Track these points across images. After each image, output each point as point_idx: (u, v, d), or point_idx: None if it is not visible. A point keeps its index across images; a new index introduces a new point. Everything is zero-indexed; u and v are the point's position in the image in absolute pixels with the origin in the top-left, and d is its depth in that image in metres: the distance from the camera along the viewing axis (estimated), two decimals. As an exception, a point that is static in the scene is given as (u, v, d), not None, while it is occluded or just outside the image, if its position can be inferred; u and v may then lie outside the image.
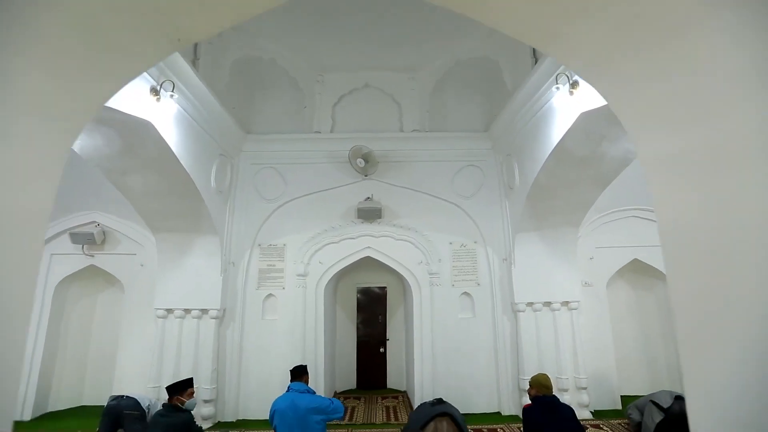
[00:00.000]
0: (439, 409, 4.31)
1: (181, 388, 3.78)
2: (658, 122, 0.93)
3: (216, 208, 5.49)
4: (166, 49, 1.11)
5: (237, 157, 6.18)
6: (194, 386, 4.03)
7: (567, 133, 4.12)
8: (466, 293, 6.05)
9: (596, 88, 1.10)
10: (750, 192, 0.80)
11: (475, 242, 6.14)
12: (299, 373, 4.17)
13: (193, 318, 5.53)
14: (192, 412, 3.84)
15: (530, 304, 5.69)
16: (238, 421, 5.48)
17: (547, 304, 5.70)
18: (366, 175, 6.15)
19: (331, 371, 6.62)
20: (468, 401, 5.59)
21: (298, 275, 5.99)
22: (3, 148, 0.84)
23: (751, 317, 0.83)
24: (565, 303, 5.72)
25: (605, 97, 1.08)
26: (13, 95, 0.87)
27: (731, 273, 0.87)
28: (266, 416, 4.71)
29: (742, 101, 0.80)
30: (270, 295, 5.97)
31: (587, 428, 4.66)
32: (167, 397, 3.71)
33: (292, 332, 5.86)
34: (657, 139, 0.94)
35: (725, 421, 0.89)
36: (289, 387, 4.03)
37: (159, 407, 4.70)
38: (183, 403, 3.71)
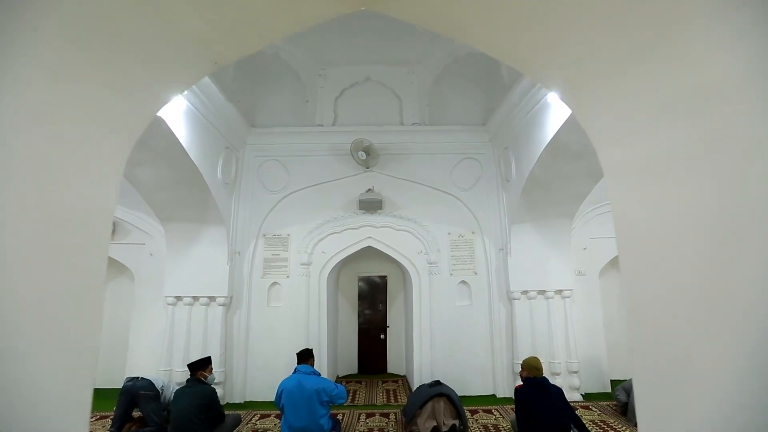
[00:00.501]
0: (436, 390, 4.61)
1: (203, 365, 4.18)
2: (617, 136, 1.11)
3: (222, 199, 5.69)
4: (206, 70, 1.29)
5: (242, 149, 6.35)
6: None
7: (561, 127, 4.29)
8: (463, 282, 6.28)
9: (568, 105, 1.28)
10: (686, 193, 0.99)
11: (473, 233, 6.35)
12: (305, 356, 4.41)
13: (202, 305, 5.77)
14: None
15: (525, 292, 5.93)
16: (245, 402, 5.75)
17: (542, 292, 5.93)
18: (367, 168, 6.32)
19: (334, 357, 6.88)
20: (465, 384, 5.85)
21: (302, 264, 6.21)
22: (77, 156, 1.03)
23: (690, 301, 1.03)
24: (559, 291, 5.95)
25: (575, 113, 1.26)
26: (83, 110, 1.06)
27: (674, 262, 1.06)
28: (272, 398, 5.00)
29: (681, 120, 0.98)
30: (275, 283, 6.20)
31: (577, 409, 4.92)
32: (189, 373, 4.11)
33: (296, 319, 6.10)
34: (615, 149, 1.13)
35: (671, 403, 1.09)
36: (296, 369, 4.28)
37: (172, 388, 5.02)
38: (206, 377, 4.11)
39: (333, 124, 6.56)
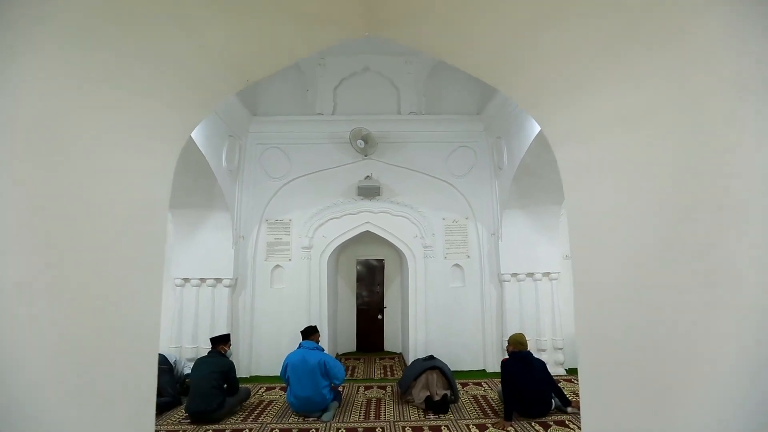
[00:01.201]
0: (429, 363, 5.00)
1: (224, 340, 4.66)
2: (570, 142, 1.38)
3: (227, 185, 5.94)
4: (239, 86, 1.55)
5: (244, 137, 6.56)
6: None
7: (549, 120, 4.55)
8: (457, 265, 6.62)
9: (532, 116, 1.55)
10: (625, 191, 1.27)
11: (466, 218, 6.66)
12: (310, 333, 4.77)
13: (208, 286, 6.08)
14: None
15: (515, 274, 6.28)
16: (251, 376, 6.13)
17: (530, 274, 6.29)
18: (366, 155, 6.57)
19: (334, 335, 7.25)
20: (457, 360, 6.25)
21: (303, 248, 6.51)
22: (134, 158, 1.29)
23: (634, 289, 1.30)
24: (547, 274, 6.31)
25: (538, 122, 1.52)
26: (144, 123, 1.32)
27: (616, 253, 1.34)
28: (276, 372, 5.39)
29: (621, 129, 1.26)
30: (277, 266, 6.51)
31: (560, 382, 5.32)
32: (211, 346, 4.67)
33: (298, 300, 6.44)
34: (569, 152, 1.40)
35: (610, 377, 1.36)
36: (300, 344, 4.63)
37: (183, 363, 5.42)
38: (225, 351, 4.56)
39: (332, 113, 6.77)
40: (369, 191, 6.49)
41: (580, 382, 1.53)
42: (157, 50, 1.14)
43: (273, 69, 1.53)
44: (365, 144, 6.34)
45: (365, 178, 6.52)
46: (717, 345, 0.92)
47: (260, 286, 6.45)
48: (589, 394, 1.45)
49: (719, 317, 0.91)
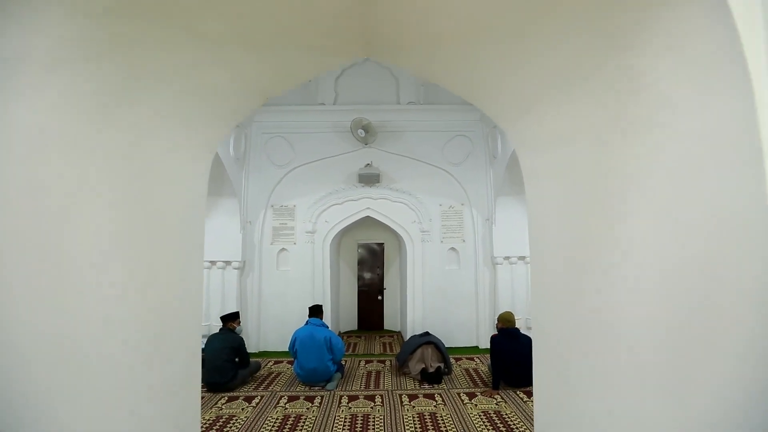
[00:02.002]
0: (425, 338, 5.42)
1: (233, 318, 5.06)
2: (530, 150, 1.69)
3: (234, 173, 6.26)
4: (260, 102, 1.86)
5: (250, 127, 6.84)
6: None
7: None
8: (452, 248, 6.99)
9: (502, 128, 1.86)
10: (572, 191, 1.59)
11: (462, 204, 6.99)
12: (316, 311, 5.18)
13: (218, 268, 6.47)
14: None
15: (507, 258, 6.65)
16: (259, 351, 6.58)
17: (522, 257, 6.66)
18: (366, 144, 6.85)
19: (336, 315, 7.69)
20: (451, 337, 6.69)
21: (307, 232, 6.87)
22: (184, 166, 1.62)
23: (567, 277, 1.62)
24: (537, 257, 6.68)
25: (507, 134, 1.83)
26: (186, 134, 1.64)
27: (558, 245, 1.67)
28: (282, 348, 5.83)
29: (569, 143, 1.57)
30: (283, 249, 6.89)
31: (546, 356, 5.74)
32: (222, 323, 5.04)
33: (302, 281, 6.84)
34: (527, 159, 1.72)
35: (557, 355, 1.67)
36: (307, 321, 5.05)
37: (198, 339, 5.86)
38: (234, 327, 4.96)
39: (334, 103, 7.02)
40: (369, 178, 6.80)
41: (534, 362, 1.81)
42: (204, 82, 1.46)
43: (286, 88, 1.83)
44: (365, 133, 6.62)
45: (366, 166, 6.82)
46: (622, 316, 1.25)
47: (267, 268, 6.84)
48: (539, 370, 1.77)
49: (625, 295, 1.24)
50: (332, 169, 6.92)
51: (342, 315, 8.22)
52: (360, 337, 7.83)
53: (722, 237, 0.78)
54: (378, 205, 6.96)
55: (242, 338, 5.04)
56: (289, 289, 6.81)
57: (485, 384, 5.02)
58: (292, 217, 6.91)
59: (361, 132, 6.59)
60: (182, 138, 1.51)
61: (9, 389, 0.81)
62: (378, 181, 6.86)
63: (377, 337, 7.75)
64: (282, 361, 6.07)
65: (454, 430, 3.80)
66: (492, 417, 4.07)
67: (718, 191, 0.79)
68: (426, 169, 6.96)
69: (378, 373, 5.56)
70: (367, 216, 7.02)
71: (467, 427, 3.86)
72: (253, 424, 3.94)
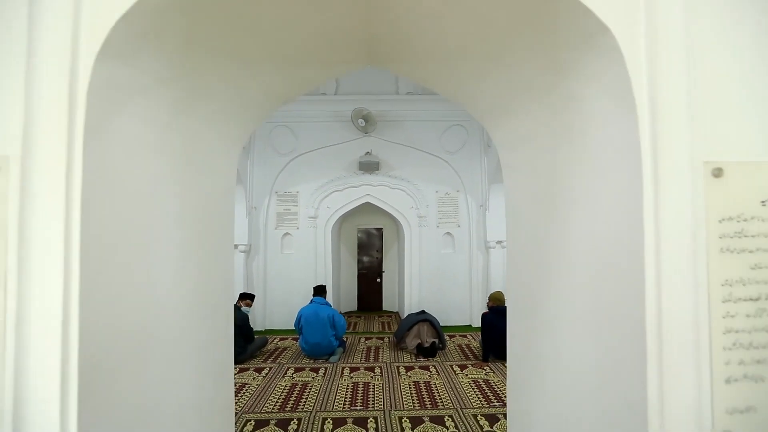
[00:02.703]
0: (421, 316, 5.82)
1: (247, 297, 5.40)
2: (507, 147, 2.01)
3: (240, 161, 6.56)
4: (279, 106, 2.16)
5: (254, 116, 7.10)
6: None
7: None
8: (448, 233, 7.35)
9: (484, 126, 2.18)
10: (528, 188, 1.93)
11: (457, 191, 7.32)
12: (320, 290, 5.56)
13: (226, 251, 6.82)
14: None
15: (500, 242, 7.01)
16: (265, 330, 6.99)
17: (514, 242, 7.02)
18: (366, 133, 7.13)
19: (337, 296, 8.08)
20: (446, 317, 7.09)
21: (310, 217, 7.21)
22: (220, 160, 1.94)
23: (543, 256, 1.95)
24: (528, 241, 7.05)
25: (487, 131, 2.15)
26: (218, 131, 1.96)
27: (525, 233, 2.00)
28: (287, 326, 6.23)
29: (532, 141, 1.90)
30: (287, 233, 7.24)
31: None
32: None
33: (305, 264, 7.20)
34: (505, 154, 2.04)
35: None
36: (312, 299, 5.43)
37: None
38: (241, 306, 5.31)
39: (335, 93, 7.27)
40: (369, 166, 7.10)
41: (508, 324, 2.16)
42: (240, 93, 1.77)
43: (300, 93, 2.14)
44: (365, 122, 6.90)
45: (365, 154, 7.12)
46: (567, 284, 1.59)
47: (272, 251, 7.20)
48: (512, 329, 2.12)
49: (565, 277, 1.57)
50: (333, 157, 7.21)
51: (343, 296, 8.62)
52: (360, 317, 8.25)
53: (628, 216, 1.10)
54: (377, 191, 7.29)
55: (245, 314, 5.40)
56: (292, 272, 7.18)
57: (476, 357, 5.44)
58: (296, 203, 7.23)
59: (361, 121, 6.86)
60: (221, 137, 1.82)
61: (112, 352, 1.13)
62: (377, 169, 7.16)
63: (376, 317, 8.17)
64: (287, 338, 6.48)
65: (447, 396, 4.21)
66: (481, 385, 4.49)
67: (626, 184, 1.11)
68: (423, 158, 7.26)
69: (377, 348, 5.98)
70: (367, 202, 7.35)
71: (458, 393, 4.28)
72: (264, 391, 4.34)
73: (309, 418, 3.72)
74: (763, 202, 0.98)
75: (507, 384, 2.02)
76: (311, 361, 5.33)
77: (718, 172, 0.98)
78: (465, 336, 6.59)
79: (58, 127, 0.93)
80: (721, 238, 0.98)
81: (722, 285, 0.97)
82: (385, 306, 8.88)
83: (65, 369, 0.92)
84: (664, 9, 1.01)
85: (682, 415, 0.97)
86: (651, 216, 1.00)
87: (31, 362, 0.91)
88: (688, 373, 0.97)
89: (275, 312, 7.08)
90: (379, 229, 8.99)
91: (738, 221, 0.98)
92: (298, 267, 7.20)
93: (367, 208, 7.58)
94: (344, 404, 4.02)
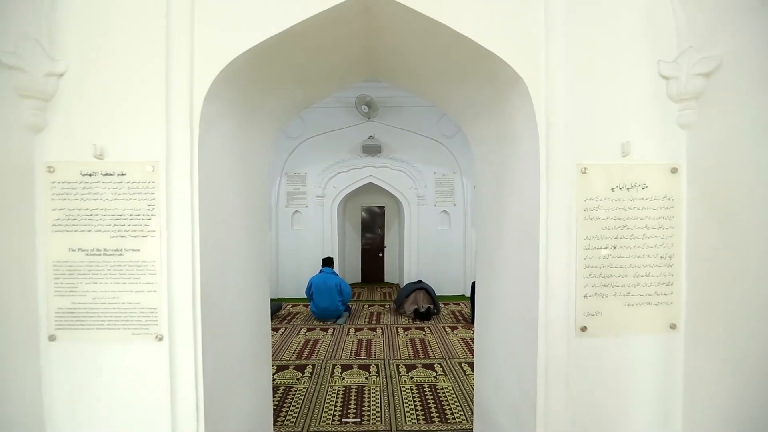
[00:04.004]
0: (418, 285, 6.52)
1: None
2: (476, 142, 2.61)
3: (253, 145, 7.14)
4: (297, 113, 2.75)
5: (265, 102, 7.64)
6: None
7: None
8: (444, 211, 7.98)
9: (459, 125, 2.75)
10: (487, 182, 2.52)
11: (454, 172, 7.90)
12: (328, 261, 6.24)
13: (241, 227, 7.50)
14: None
15: (492, 219, 7.64)
16: (278, 298, 7.74)
17: (505, 219, 7.65)
18: (369, 118, 7.66)
19: (342, 269, 8.79)
20: (442, 287, 7.81)
21: (317, 196, 7.84)
22: (257, 152, 2.56)
23: (496, 231, 2.58)
24: (518, 219, 7.68)
25: (463, 129, 2.73)
26: (259, 135, 2.58)
27: (486, 219, 2.61)
28: (298, 294, 6.93)
29: (484, 144, 2.49)
30: (296, 211, 7.89)
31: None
32: None
33: (314, 239, 7.88)
34: (476, 147, 2.64)
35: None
36: (321, 270, 6.12)
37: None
38: None
39: (340, 80, 7.75)
40: (372, 149, 7.67)
41: (476, 290, 2.81)
42: (276, 106, 2.37)
43: (316, 101, 2.73)
44: (368, 108, 7.42)
45: (368, 138, 7.67)
46: (504, 254, 2.21)
47: (283, 228, 7.86)
48: (478, 294, 2.76)
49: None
50: (339, 141, 7.77)
51: (347, 269, 9.34)
52: (363, 287, 8.99)
53: (533, 198, 1.71)
54: (379, 172, 7.88)
55: None
56: (302, 246, 7.87)
57: (467, 321, 6.15)
58: (304, 183, 7.85)
59: (364, 107, 7.39)
60: (260, 138, 2.42)
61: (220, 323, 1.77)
62: (380, 152, 7.73)
63: (378, 288, 8.91)
64: (298, 305, 7.22)
65: (437, 349, 4.94)
66: (468, 341, 5.21)
67: (533, 177, 1.71)
68: (422, 141, 7.81)
69: (379, 313, 6.71)
70: (370, 182, 7.95)
71: (447, 348, 5.00)
72: (281, 345, 5.08)
73: (321, 364, 4.45)
74: (612, 189, 1.60)
75: (475, 321, 2.68)
76: (321, 323, 6.07)
77: (584, 171, 1.59)
78: (458, 304, 7.31)
79: (183, 142, 1.55)
80: (585, 211, 1.60)
81: (584, 239, 1.60)
82: (387, 278, 9.61)
83: (194, 284, 1.57)
84: (556, 68, 1.60)
85: (559, 317, 1.62)
86: (545, 198, 1.62)
87: (175, 286, 1.56)
88: (562, 293, 1.61)
89: (287, 282, 7.80)
90: (381, 208, 9.62)
91: (595, 201, 1.60)
92: (306, 242, 7.88)
93: (370, 188, 8.18)
94: (351, 355, 4.75)
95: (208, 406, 1.65)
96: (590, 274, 1.61)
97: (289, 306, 7.18)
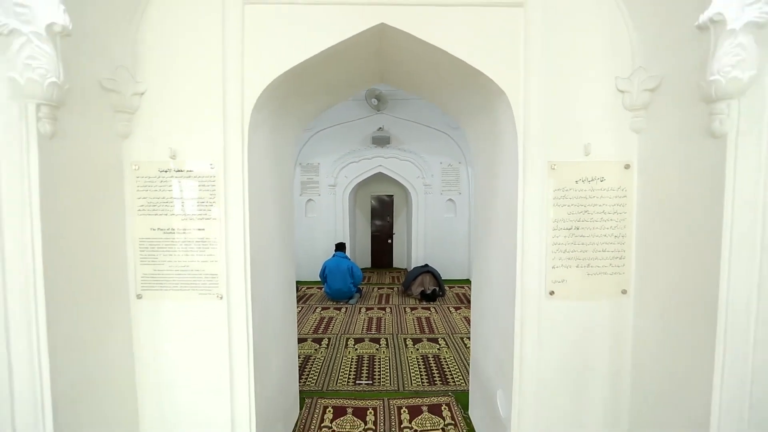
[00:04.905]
0: (424, 269, 6.96)
1: None
2: (473, 139, 2.99)
3: (270, 137, 7.58)
4: (318, 114, 3.16)
5: (280, 95, 8.04)
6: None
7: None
8: (450, 199, 8.36)
9: (458, 123, 3.14)
10: (482, 175, 2.91)
11: (459, 162, 8.25)
12: (341, 246, 6.70)
13: (259, 215, 7.99)
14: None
15: (495, 207, 8.01)
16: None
17: (508, 207, 8.03)
18: (378, 111, 8.01)
19: (353, 255, 9.25)
20: (448, 271, 8.23)
21: (329, 186, 8.27)
22: (286, 147, 2.99)
23: (486, 217, 2.99)
24: (521, 207, 8.04)
25: (461, 126, 3.11)
26: (286, 135, 2.99)
27: (480, 205, 3.00)
28: (311, 277, 7.40)
29: (478, 141, 2.87)
30: (310, 199, 8.34)
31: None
32: None
33: (326, 226, 8.34)
34: (473, 143, 3.02)
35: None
36: (334, 254, 6.58)
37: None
38: None
39: (351, 74, 8.11)
40: (381, 140, 8.04)
41: (473, 270, 3.24)
42: (302, 110, 2.78)
43: (335, 104, 3.14)
44: (378, 101, 7.77)
45: (378, 130, 8.04)
46: (494, 237, 2.61)
47: (297, 215, 8.32)
48: (474, 273, 3.18)
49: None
50: (350, 133, 8.16)
51: (358, 255, 9.81)
52: (373, 272, 9.46)
53: (514, 189, 2.10)
54: (388, 163, 8.27)
55: None
56: (315, 232, 8.34)
57: (469, 302, 6.58)
58: (317, 173, 8.28)
59: (374, 100, 7.74)
60: (289, 136, 2.84)
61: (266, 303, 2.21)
62: (388, 143, 8.10)
63: (387, 273, 9.38)
64: (312, 287, 7.72)
65: (441, 326, 5.39)
66: (470, 320, 5.64)
67: (514, 172, 2.10)
68: (429, 132, 8.15)
69: (388, 295, 7.18)
70: (379, 172, 8.35)
71: (451, 324, 5.45)
72: (299, 322, 5.57)
73: (336, 338, 4.93)
74: (576, 181, 1.99)
75: (471, 292, 3.10)
76: (334, 303, 6.56)
77: (554, 167, 1.99)
78: (462, 287, 7.74)
79: (236, 145, 1.98)
80: (554, 199, 2.00)
81: (553, 222, 2.00)
82: (395, 263, 10.07)
83: (245, 256, 2.01)
84: (532, 85, 1.98)
85: (532, 284, 2.03)
86: (522, 188, 2.02)
87: (231, 257, 2.00)
88: (535, 264, 2.02)
89: (302, 266, 8.29)
90: (390, 196, 10.03)
91: (562, 191, 2.00)
92: (319, 228, 8.35)
93: (379, 177, 8.58)
94: (362, 330, 5.23)
95: (255, 353, 2.11)
96: (557, 250, 2.02)
97: (304, 288, 7.68)
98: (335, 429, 2.97)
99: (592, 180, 2.00)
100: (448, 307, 6.32)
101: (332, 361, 4.22)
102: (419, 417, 3.13)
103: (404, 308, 6.30)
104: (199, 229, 1.98)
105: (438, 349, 4.57)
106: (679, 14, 1.66)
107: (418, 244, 8.45)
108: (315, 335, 5.03)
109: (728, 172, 1.46)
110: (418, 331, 5.19)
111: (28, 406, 1.48)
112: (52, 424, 1.51)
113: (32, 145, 1.44)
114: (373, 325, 5.43)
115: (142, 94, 1.93)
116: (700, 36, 1.53)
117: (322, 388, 3.60)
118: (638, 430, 2.02)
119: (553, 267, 2.02)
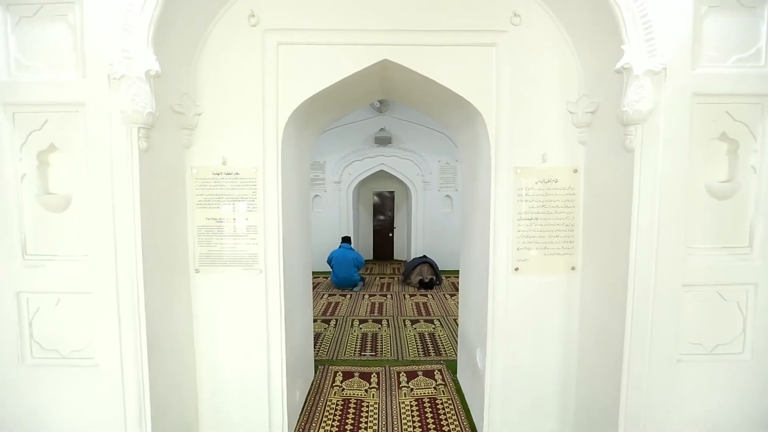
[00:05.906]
0: (423, 259, 7.56)
1: None
2: (461, 146, 3.54)
3: (279, 137, 8.14)
4: (331, 123, 3.72)
5: (288, 98, 8.60)
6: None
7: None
8: (447, 195, 8.93)
9: (449, 132, 3.71)
10: (467, 178, 3.47)
11: (456, 161, 8.80)
12: (347, 239, 7.29)
13: (269, 209, 8.57)
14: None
15: (490, 203, 8.58)
16: (301, 271, 8.85)
17: (501, 203, 8.60)
18: (381, 112, 8.55)
19: (356, 247, 9.82)
20: (445, 262, 8.81)
21: (334, 182, 8.84)
22: (304, 151, 3.55)
23: (470, 214, 3.55)
24: (513, 203, 8.62)
25: (451, 134, 3.67)
26: (303, 143, 3.57)
27: (467, 202, 3.57)
28: (317, 268, 7.98)
29: (464, 149, 3.43)
30: (316, 195, 8.91)
31: (513, 275, 7.86)
32: None
33: (331, 220, 8.92)
34: (461, 149, 3.57)
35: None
36: (341, 245, 7.17)
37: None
38: None
39: (355, 78, 8.65)
40: (383, 140, 8.60)
41: (461, 255, 3.82)
42: (316, 124, 3.35)
43: (346, 114, 3.71)
44: (380, 103, 8.31)
45: (380, 130, 8.59)
46: (475, 229, 3.18)
47: (304, 210, 8.90)
48: (461, 257, 3.75)
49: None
50: (354, 133, 8.71)
51: (361, 248, 10.39)
52: (375, 264, 10.05)
53: (488, 189, 2.67)
54: (390, 161, 8.83)
55: None
56: (321, 227, 8.90)
57: (464, 290, 7.18)
58: (323, 171, 8.85)
59: (376, 103, 8.27)
60: (307, 141, 3.42)
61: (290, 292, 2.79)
62: (390, 142, 8.65)
63: (388, 264, 9.97)
64: (318, 276, 8.31)
65: (438, 311, 5.98)
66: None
67: (488, 175, 2.67)
68: (428, 133, 8.69)
69: (389, 284, 7.77)
70: (381, 170, 8.91)
71: (446, 308, 6.04)
72: (309, 306, 6.17)
73: (343, 319, 5.53)
74: (536, 182, 2.56)
75: (459, 273, 3.68)
76: (339, 290, 7.15)
77: (518, 171, 2.56)
78: (458, 277, 8.31)
79: (272, 153, 2.55)
80: (518, 196, 2.57)
81: (517, 213, 2.58)
82: (396, 255, 10.66)
83: (279, 240, 2.59)
84: (502, 108, 2.55)
85: (502, 262, 2.61)
86: (494, 188, 2.59)
87: (268, 240, 2.58)
88: (504, 247, 2.60)
89: (308, 258, 8.89)
90: (391, 193, 10.59)
91: (525, 190, 2.57)
92: (325, 223, 8.93)
93: (381, 174, 9.15)
94: (366, 312, 5.83)
95: (286, 317, 2.69)
96: (521, 235, 2.59)
97: (311, 278, 8.27)
98: (345, 387, 3.57)
99: (549, 181, 2.57)
100: (444, 294, 6.90)
101: (340, 337, 4.82)
102: (415, 379, 3.73)
103: (404, 295, 6.89)
104: (244, 219, 2.56)
105: (433, 328, 5.16)
106: (609, 58, 2.22)
107: (417, 237, 9.02)
108: (324, 317, 5.63)
109: (635, 177, 2.03)
110: (416, 314, 5.78)
111: (130, 348, 2.06)
112: (147, 363, 2.09)
113: (135, 157, 2.01)
114: (376, 309, 6.03)
115: (200, 114, 2.50)
116: (619, 77, 2.10)
117: (332, 358, 4.20)
118: (583, 367, 2.60)
119: (517, 249, 2.60)
